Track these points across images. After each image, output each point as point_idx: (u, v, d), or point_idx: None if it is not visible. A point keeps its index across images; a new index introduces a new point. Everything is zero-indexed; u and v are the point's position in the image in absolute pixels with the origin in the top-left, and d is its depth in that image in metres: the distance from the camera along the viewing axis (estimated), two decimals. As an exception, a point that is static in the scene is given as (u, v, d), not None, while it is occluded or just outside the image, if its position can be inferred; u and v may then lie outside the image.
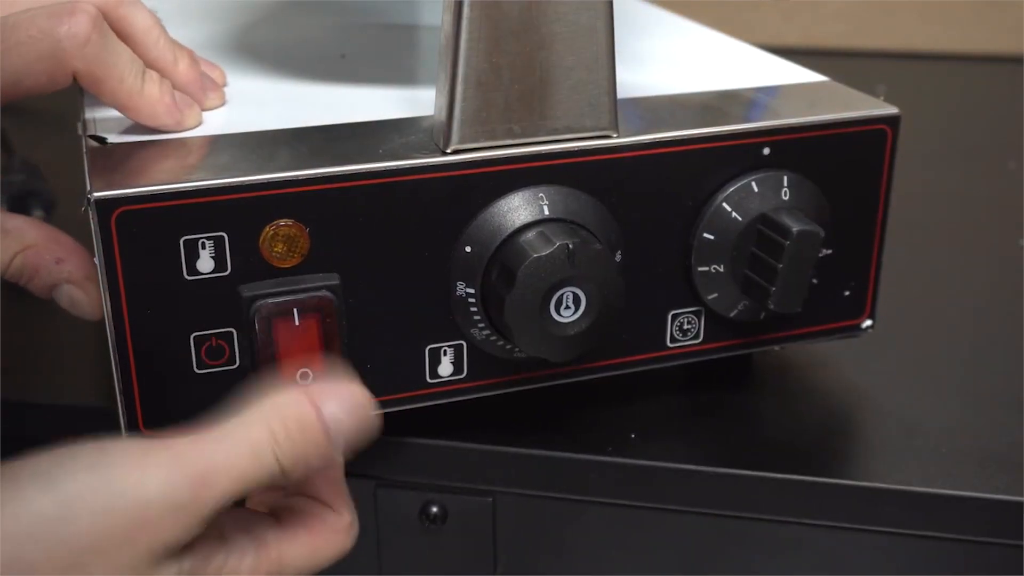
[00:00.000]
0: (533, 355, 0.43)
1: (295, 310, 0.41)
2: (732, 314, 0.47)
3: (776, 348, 0.51)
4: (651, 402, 0.51)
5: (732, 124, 0.45)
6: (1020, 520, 0.46)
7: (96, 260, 0.39)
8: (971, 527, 0.46)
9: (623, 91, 0.44)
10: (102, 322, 0.41)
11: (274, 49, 0.56)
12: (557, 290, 0.41)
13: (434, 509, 0.50)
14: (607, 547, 0.51)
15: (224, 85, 0.50)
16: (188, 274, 0.40)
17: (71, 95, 0.46)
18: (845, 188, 0.47)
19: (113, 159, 0.42)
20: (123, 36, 0.43)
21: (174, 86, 0.44)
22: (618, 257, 0.45)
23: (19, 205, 0.64)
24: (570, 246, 0.41)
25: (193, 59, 0.46)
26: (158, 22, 0.45)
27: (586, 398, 0.50)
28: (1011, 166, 0.80)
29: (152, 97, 0.43)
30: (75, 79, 0.42)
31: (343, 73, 0.52)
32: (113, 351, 0.40)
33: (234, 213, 0.40)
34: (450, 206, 0.42)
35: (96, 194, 0.38)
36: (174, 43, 0.45)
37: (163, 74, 0.44)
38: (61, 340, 0.55)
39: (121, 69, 0.42)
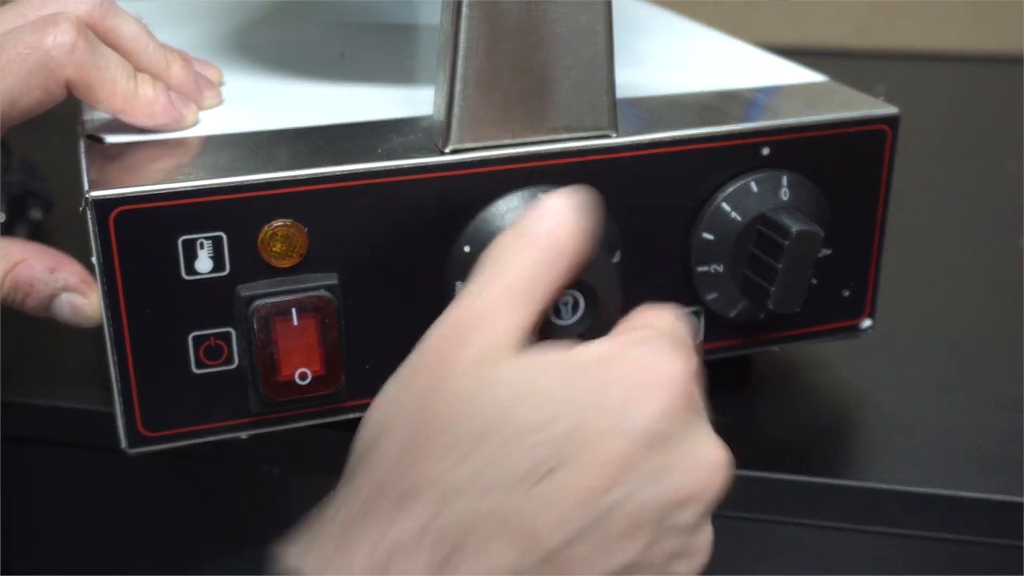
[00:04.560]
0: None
1: (293, 310, 0.41)
2: (732, 314, 0.47)
3: (776, 348, 0.51)
4: (650, 402, 0.51)
5: (731, 124, 0.45)
6: (1020, 520, 0.46)
7: (94, 260, 0.39)
8: (971, 527, 0.46)
9: (622, 91, 0.44)
10: (101, 322, 0.41)
11: (273, 49, 0.56)
12: (556, 290, 0.41)
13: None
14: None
15: (221, 84, 0.49)
16: (186, 274, 0.40)
17: (69, 96, 0.46)
18: (845, 188, 0.47)
19: (111, 159, 0.42)
20: (112, 46, 0.43)
21: (169, 88, 0.44)
22: (617, 257, 0.44)
23: (17, 205, 0.64)
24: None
25: (186, 60, 0.46)
26: (145, 28, 0.45)
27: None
28: (1011, 166, 0.80)
29: (147, 98, 0.43)
30: (70, 90, 0.42)
31: (342, 73, 0.52)
32: (111, 351, 0.40)
33: (232, 213, 0.40)
34: (449, 206, 0.42)
35: (94, 194, 0.38)
36: (164, 47, 0.45)
37: (156, 78, 0.44)
38: (60, 340, 0.55)
39: (113, 72, 0.42)
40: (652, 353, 0.36)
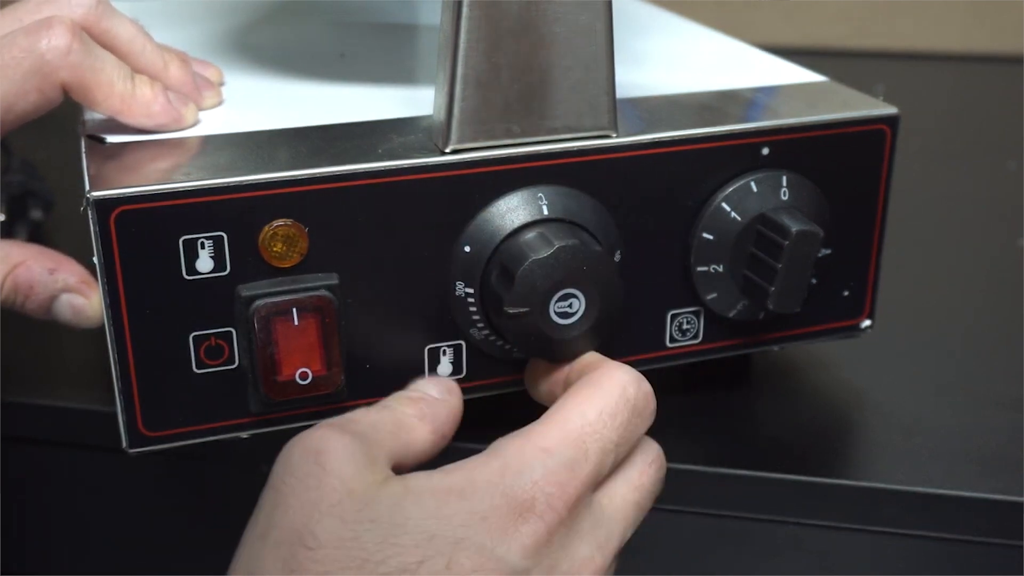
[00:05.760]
0: (532, 356, 0.43)
1: (294, 310, 0.41)
2: (731, 314, 0.47)
3: (776, 348, 0.51)
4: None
5: (731, 124, 0.45)
6: (1020, 520, 0.46)
7: (95, 260, 0.39)
8: (971, 527, 0.46)
9: (622, 91, 0.44)
10: (101, 323, 0.41)
11: (273, 49, 0.56)
12: (556, 292, 0.41)
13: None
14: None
15: (221, 83, 0.49)
16: (187, 274, 0.40)
17: (69, 96, 0.46)
18: (844, 188, 0.47)
19: (111, 159, 0.42)
20: (108, 48, 0.43)
21: (167, 88, 0.44)
22: (617, 257, 0.45)
23: (18, 205, 0.64)
24: (569, 247, 0.40)
25: (184, 61, 0.46)
26: (142, 30, 0.45)
27: (585, 398, 0.50)
28: (1011, 166, 0.80)
29: (145, 98, 0.43)
30: (67, 93, 0.42)
31: (342, 73, 0.52)
32: (112, 351, 0.40)
33: (233, 213, 0.40)
34: (449, 206, 0.42)
35: (95, 194, 0.38)
36: (162, 48, 0.45)
37: (154, 79, 0.44)
38: (61, 340, 0.55)
39: (109, 74, 0.42)
40: (535, 476, 0.36)
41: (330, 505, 0.34)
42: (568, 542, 0.36)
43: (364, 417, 0.38)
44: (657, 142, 0.44)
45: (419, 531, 0.34)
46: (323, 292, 0.41)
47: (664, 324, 0.47)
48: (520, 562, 0.35)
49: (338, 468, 0.35)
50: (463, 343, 0.44)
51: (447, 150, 0.42)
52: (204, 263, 0.40)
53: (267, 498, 0.36)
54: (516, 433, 0.38)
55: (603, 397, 0.38)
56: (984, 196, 0.76)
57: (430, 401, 0.40)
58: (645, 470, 0.40)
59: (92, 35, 0.43)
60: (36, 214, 0.65)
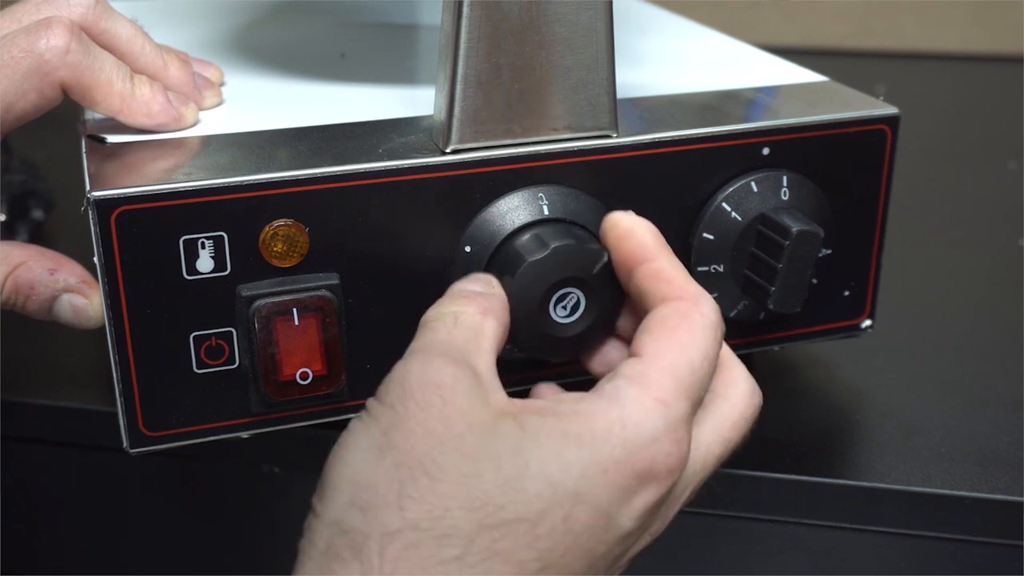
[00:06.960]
0: (532, 356, 0.43)
1: (294, 310, 0.41)
2: (732, 314, 0.47)
3: (776, 348, 0.51)
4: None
5: (732, 124, 0.45)
6: (1020, 520, 0.46)
7: (95, 260, 0.39)
8: (971, 527, 0.46)
9: (623, 91, 0.44)
10: (102, 323, 0.41)
11: (274, 49, 0.56)
12: (556, 291, 0.41)
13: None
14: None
15: (221, 83, 0.50)
16: (188, 274, 0.40)
17: (70, 96, 0.46)
18: (845, 188, 0.47)
19: (112, 159, 0.42)
20: (108, 49, 0.43)
21: (167, 89, 0.44)
22: (618, 257, 0.45)
23: (18, 205, 0.64)
24: (568, 247, 0.40)
25: (184, 61, 0.46)
26: (140, 30, 0.45)
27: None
28: (1011, 166, 0.80)
29: (145, 98, 0.43)
30: (66, 93, 0.42)
31: (343, 73, 0.52)
32: (113, 351, 0.40)
33: (234, 213, 0.40)
34: (450, 206, 0.42)
35: (95, 194, 0.38)
36: (162, 48, 0.45)
37: (154, 79, 0.44)
38: (61, 340, 0.55)
39: (108, 74, 0.42)
40: (656, 431, 0.35)
41: (453, 437, 0.33)
42: (666, 504, 0.37)
43: (454, 339, 0.37)
44: (657, 142, 0.44)
45: (541, 477, 0.33)
46: (323, 292, 0.41)
47: (664, 324, 0.47)
48: (630, 525, 0.35)
49: (459, 402, 0.34)
50: (463, 343, 0.44)
51: (448, 150, 0.42)
52: (205, 263, 0.40)
53: (381, 414, 0.35)
54: (629, 378, 0.36)
55: (699, 335, 0.38)
56: (984, 196, 0.76)
57: (484, 295, 0.39)
58: (736, 425, 0.39)
59: (91, 35, 0.43)
60: (37, 214, 0.65)
